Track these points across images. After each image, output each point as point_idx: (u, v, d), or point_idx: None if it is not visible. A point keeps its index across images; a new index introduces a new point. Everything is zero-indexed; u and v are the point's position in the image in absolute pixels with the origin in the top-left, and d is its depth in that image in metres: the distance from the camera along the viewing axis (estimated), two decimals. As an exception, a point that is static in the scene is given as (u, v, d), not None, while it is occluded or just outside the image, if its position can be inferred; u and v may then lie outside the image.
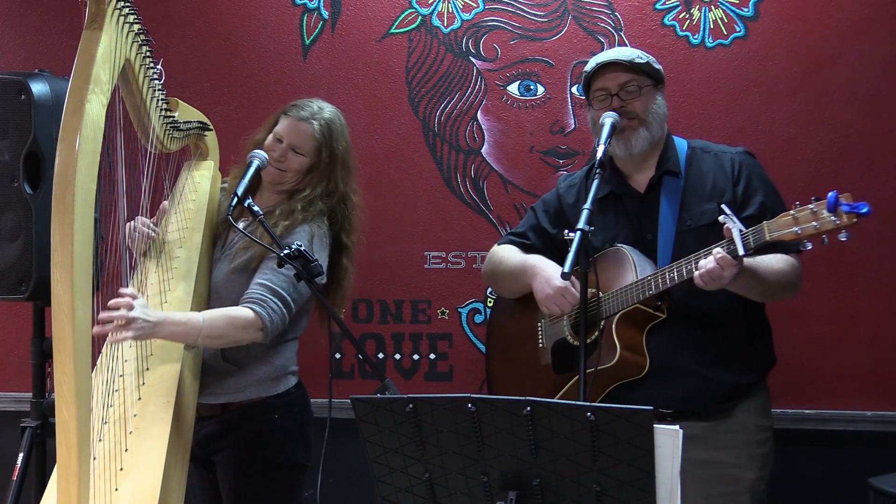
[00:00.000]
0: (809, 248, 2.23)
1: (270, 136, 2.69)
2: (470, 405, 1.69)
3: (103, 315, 2.25)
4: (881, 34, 3.26)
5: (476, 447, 1.71)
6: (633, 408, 1.62)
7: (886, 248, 3.27)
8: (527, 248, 2.79)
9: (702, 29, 3.36)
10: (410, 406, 1.73)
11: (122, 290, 2.31)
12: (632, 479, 1.64)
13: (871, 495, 2.73)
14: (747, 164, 2.61)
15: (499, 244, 2.88)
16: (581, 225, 2.20)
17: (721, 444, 2.52)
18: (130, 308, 2.27)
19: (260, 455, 2.62)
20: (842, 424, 3.28)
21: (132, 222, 2.62)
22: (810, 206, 2.22)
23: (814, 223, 2.20)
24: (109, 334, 2.30)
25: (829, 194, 2.17)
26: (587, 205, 2.25)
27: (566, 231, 2.25)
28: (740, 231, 2.28)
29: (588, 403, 1.65)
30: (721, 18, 3.35)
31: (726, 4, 3.34)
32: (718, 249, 2.32)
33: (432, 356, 3.52)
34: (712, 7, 3.35)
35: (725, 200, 2.52)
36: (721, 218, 2.31)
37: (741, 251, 2.28)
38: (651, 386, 2.50)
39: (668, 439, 1.63)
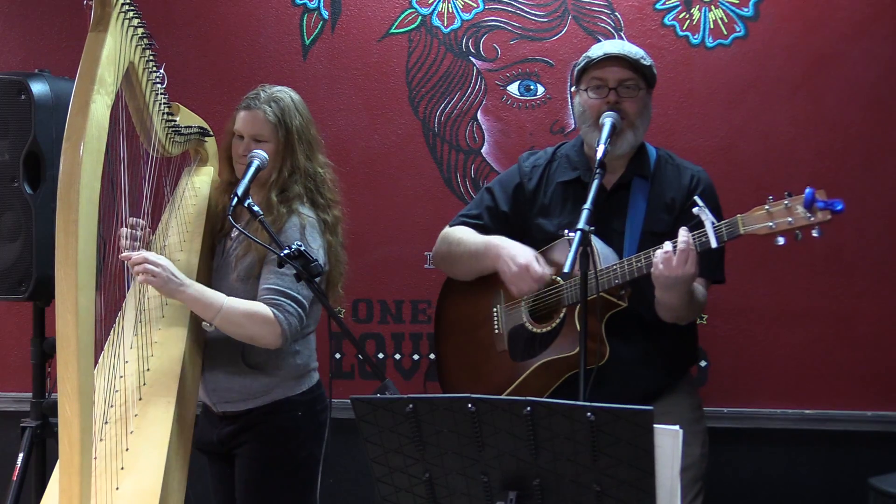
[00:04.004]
0: (782, 243, 2.24)
1: (233, 137, 2.69)
2: (470, 405, 1.69)
3: (136, 255, 2.41)
4: (881, 34, 3.26)
5: (476, 447, 1.71)
6: (634, 408, 1.62)
7: (886, 248, 3.27)
8: (480, 230, 2.76)
9: (702, 29, 3.36)
10: (410, 406, 1.73)
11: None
12: (632, 479, 1.64)
13: (871, 495, 2.73)
14: (705, 181, 2.66)
15: (450, 225, 2.83)
16: (581, 225, 2.20)
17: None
18: (157, 266, 2.40)
19: (280, 450, 2.64)
20: (842, 424, 3.28)
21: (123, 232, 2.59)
22: (784, 201, 2.23)
23: (788, 219, 2.22)
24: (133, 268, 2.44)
25: (807, 191, 2.19)
26: (587, 205, 2.25)
27: (566, 231, 2.25)
28: (713, 223, 2.29)
29: (588, 403, 1.65)
30: (721, 18, 3.35)
31: (726, 4, 3.34)
32: (692, 238, 2.31)
33: (432, 356, 3.52)
34: (712, 7, 3.35)
35: (676, 213, 2.58)
36: (695, 210, 2.32)
37: (714, 243, 2.29)
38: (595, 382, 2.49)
39: (668, 439, 1.63)
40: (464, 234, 2.76)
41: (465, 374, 2.78)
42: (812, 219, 2.19)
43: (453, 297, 2.88)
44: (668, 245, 2.33)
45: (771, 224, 2.24)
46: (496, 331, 2.72)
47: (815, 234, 2.20)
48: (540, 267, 2.53)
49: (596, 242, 2.52)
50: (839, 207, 2.17)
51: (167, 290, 2.44)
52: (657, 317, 2.56)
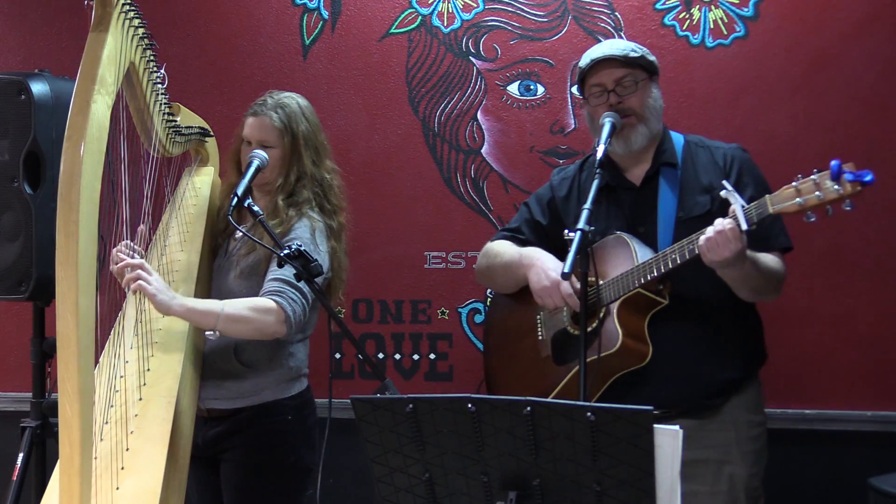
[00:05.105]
0: (813, 220, 2.20)
1: (242, 143, 2.71)
2: (470, 405, 1.69)
3: (130, 262, 2.38)
4: (881, 34, 3.26)
5: (476, 447, 1.71)
6: (634, 408, 1.62)
7: (886, 248, 3.27)
8: (521, 243, 2.78)
9: (702, 29, 3.36)
10: (410, 406, 1.73)
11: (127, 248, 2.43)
12: (632, 479, 1.64)
13: (871, 495, 2.73)
14: (740, 157, 2.61)
15: (492, 240, 2.86)
16: (581, 225, 2.20)
17: (711, 442, 2.51)
18: (149, 276, 2.38)
19: (269, 455, 2.63)
20: (842, 424, 3.28)
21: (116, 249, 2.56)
22: (812, 176, 2.19)
23: (817, 193, 2.17)
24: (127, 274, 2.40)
25: (832, 163, 2.15)
26: (587, 205, 2.25)
27: (566, 230, 2.25)
28: (742, 206, 2.27)
29: (588, 403, 1.65)
30: (721, 18, 3.35)
31: (726, 4, 3.34)
32: (728, 220, 2.29)
33: (432, 356, 3.52)
34: (712, 7, 3.35)
35: (717, 194, 2.52)
36: (723, 193, 2.30)
37: (744, 226, 2.26)
38: (644, 383, 2.49)
39: (668, 439, 1.63)
40: (502, 247, 2.79)
41: (512, 384, 2.78)
42: (841, 191, 2.13)
43: (500, 312, 2.91)
44: (709, 230, 2.31)
45: (800, 200, 2.19)
46: (540, 337, 2.72)
47: (846, 207, 2.15)
48: (570, 288, 2.52)
49: (634, 243, 2.52)
50: (868, 178, 2.12)
51: (159, 301, 2.38)
52: (707, 313, 2.53)
